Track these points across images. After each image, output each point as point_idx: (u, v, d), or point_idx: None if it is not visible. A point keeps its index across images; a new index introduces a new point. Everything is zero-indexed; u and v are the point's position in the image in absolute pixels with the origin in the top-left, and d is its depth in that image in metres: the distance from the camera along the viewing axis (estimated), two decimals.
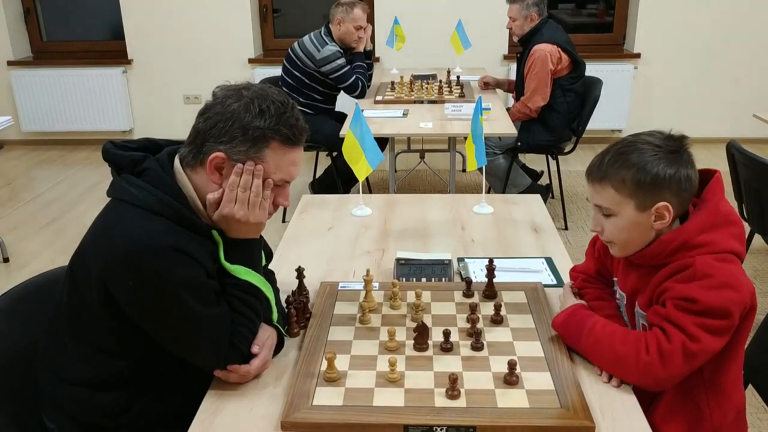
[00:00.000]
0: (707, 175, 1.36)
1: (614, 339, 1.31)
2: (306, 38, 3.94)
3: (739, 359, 1.36)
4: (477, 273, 1.75)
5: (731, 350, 1.32)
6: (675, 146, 1.31)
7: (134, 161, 1.32)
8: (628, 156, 1.31)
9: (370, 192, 4.44)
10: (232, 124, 1.27)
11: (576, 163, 4.97)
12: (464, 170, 4.81)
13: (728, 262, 1.28)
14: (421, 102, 3.82)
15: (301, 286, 1.62)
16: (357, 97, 3.91)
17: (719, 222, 1.30)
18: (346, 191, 4.07)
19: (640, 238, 1.35)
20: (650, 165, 1.29)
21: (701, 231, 1.29)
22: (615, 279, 1.50)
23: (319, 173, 4.42)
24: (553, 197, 4.31)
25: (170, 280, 1.23)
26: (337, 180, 4.09)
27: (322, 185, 4.27)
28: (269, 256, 1.60)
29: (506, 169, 3.91)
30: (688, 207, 1.35)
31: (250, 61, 5.45)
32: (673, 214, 1.31)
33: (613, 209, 1.34)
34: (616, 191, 1.32)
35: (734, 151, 2.79)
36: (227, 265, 1.33)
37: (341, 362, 1.36)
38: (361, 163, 2.08)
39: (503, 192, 3.89)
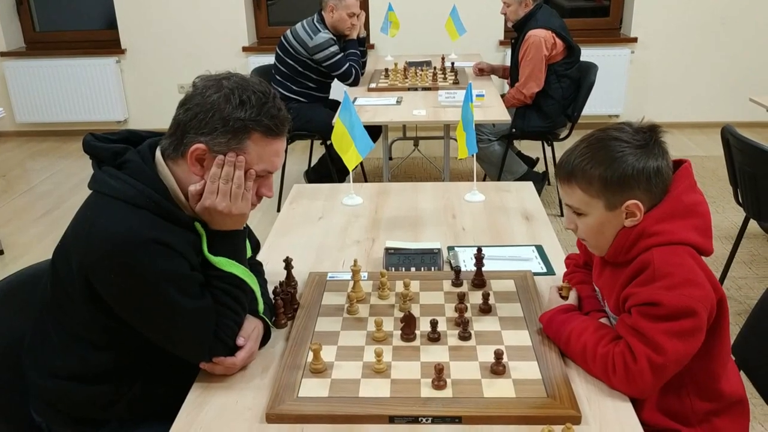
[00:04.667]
0: (678, 166, 1.31)
1: (585, 356, 1.28)
2: (299, 26, 3.91)
3: (724, 350, 1.34)
4: (467, 262, 1.74)
5: (714, 342, 1.30)
6: (644, 139, 1.27)
7: (115, 153, 1.30)
8: (595, 154, 1.27)
9: (366, 180, 4.43)
10: (212, 115, 1.25)
11: None
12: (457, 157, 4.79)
13: (686, 257, 1.24)
14: (415, 89, 3.79)
15: (290, 277, 1.61)
16: (351, 85, 3.88)
17: (679, 213, 1.26)
18: (341, 180, 4.06)
19: (613, 236, 1.31)
20: (617, 163, 1.25)
21: (658, 221, 1.26)
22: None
23: (314, 162, 4.41)
24: (549, 184, 4.29)
25: (153, 273, 1.22)
26: (331, 168, 4.07)
27: (316, 174, 4.26)
28: (256, 247, 1.59)
29: (501, 156, 3.90)
30: (660, 200, 1.29)
31: (244, 49, 5.42)
32: (644, 210, 1.27)
33: (583, 209, 1.31)
34: (583, 192, 1.29)
35: (729, 136, 2.77)
36: (211, 257, 1.32)
37: (328, 353, 1.35)
38: (351, 152, 2.06)
39: (498, 179, 3.88)
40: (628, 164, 1.24)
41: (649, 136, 1.28)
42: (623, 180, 1.25)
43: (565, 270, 1.59)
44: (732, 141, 2.75)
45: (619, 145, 1.26)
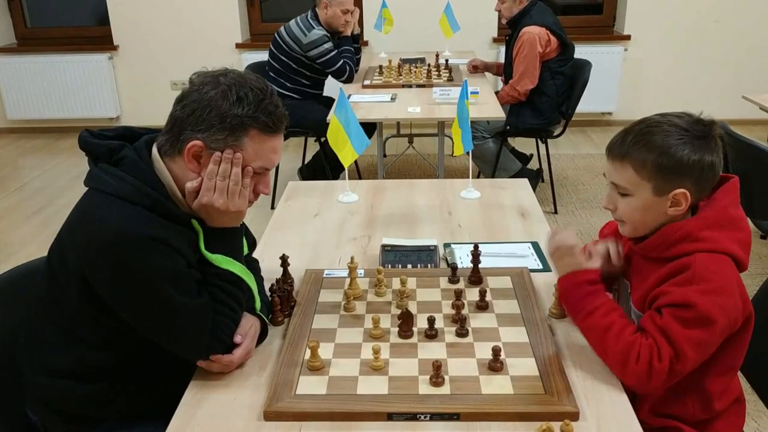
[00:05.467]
0: (724, 179, 1.32)
1: (608, 333, 1.27)
2: (292, 22, 3.90)
3: (737, 364, 1.35)
4: (463, 258, 1.74)
5: (731, 356, 1.31)
6: (703, 131, 1.27)
7: (111, 150, 1.29)
8: (653, 137, 1.27)
9: (360, 177, 4.42)
10: (210, 111, 1.25)
11: (565, 146, 4.96)
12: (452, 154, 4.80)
13: (726, 266, 1.25)
14: (410, 86, 3.79)
15: (286, 274, 1.61)
16: (345, 82, 3.88)
17: (726, 223, 1.27)
18: (335, 177, 4.05)
19: (652, 221, 1.31)
20: (674, 149, 1.24)
21: (706, 227, 1.26)
22: None
23: (308, 159, 4.40)
24: (543, 181, 4.30)
25: (149, 271, 1.22)
26: (325, 166, 4.07)
27: (310, 171, 4.25)
28: (252, 245, 1.59)
29: (495, 153, 3.90)
30: (706, 196, 1.30)
31: (238, 46, 5.40)
32: (689, 201, 1.27)
33: (630, 189, 1.30)
34: (635, 172, 1.28)
35: (722, 133, 2.78)
36: (207, 255, 1.31)
37: (325, 350, 1.35)
38: (347, 149, 2.06)
39: (493, 176, 3.88)
40: (685, 153, 1.24)
41: (709, 129, 1.28)
42: (678, 168, 1.25)
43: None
44: (725, 138, 2.75)
45: (679, 132, 1.26)
